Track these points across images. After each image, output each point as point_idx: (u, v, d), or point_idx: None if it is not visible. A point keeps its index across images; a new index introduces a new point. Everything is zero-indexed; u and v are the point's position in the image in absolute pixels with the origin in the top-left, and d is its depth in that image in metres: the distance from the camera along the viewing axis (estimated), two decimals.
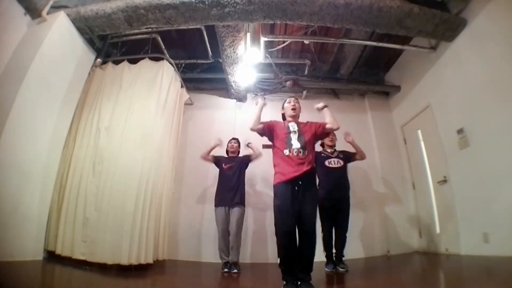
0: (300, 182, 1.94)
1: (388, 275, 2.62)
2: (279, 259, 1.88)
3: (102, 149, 2.93)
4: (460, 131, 3.08)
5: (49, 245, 2.68)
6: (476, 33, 2.90)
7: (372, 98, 4.71)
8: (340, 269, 2.69)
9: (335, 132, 2.94)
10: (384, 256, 3.64)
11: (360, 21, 2.90)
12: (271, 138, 2.17)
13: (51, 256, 2.64)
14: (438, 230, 3.50)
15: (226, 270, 2.85)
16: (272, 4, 2.69)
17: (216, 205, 3.10)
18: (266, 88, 4.52)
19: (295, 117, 2.22)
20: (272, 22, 3.04)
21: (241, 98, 4.54)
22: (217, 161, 3.31)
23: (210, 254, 3.52)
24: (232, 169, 3.18)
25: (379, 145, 4.33)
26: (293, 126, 2.13)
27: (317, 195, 2.08)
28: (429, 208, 3.66)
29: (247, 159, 3.30)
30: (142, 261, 2.57)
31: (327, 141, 3.05)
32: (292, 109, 2.21)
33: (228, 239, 2.98)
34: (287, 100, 2.29)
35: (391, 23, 2.93)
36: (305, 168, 1.95)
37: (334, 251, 2.82)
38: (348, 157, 3.03)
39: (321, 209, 2.43)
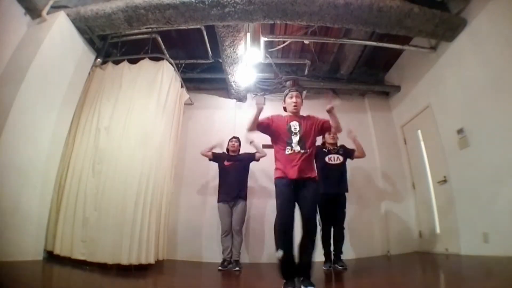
0: (300, 184, 1.99)
1: (388, 275, 2.62)
2: (278, 256, 1.88)
3: (101, 149, 2.92)
4: (460, 131, 3.08)
5: (49, 245, 2.68)
6: (476, 33, 2.90)
7: (372, 98, 4.71)
8: (339, 267, 2.71)
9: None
10: (384, 256, 3.64)
11: (360, 21, 2.90)
12: (271, 136, 2.18)
13: (51, 256, 2.64)
14: (438, 230, 3.50)
15: (220, 268, 2.92)
16: (272, 4, 2.69)
17: (219, 201, 3.16)
18: (266, 88, 4.52)
19: (296, 113, 2.21)
20: (272, 22, 3.04)
21: (241, 98, 4.54)
22: (217, 157, 3.33)
23: (211, 254, 3.52)
24: (233, 166, 3.22)
25: (379, 145, 4.33)
26: (294, 127, 2.13)
27: (317, 195, 2.12)
28: (429, 208, 3.66)
29: (251, 158, 3.31)
30: (143, 261, 2.57)
31: (328, 139, 3.07)
32: (294, 106, 2.19)
33: (231, 236, 3.06)
34: (289, 95, 2.23)
35: (391, 23, 2.93)
36: (307, 174, 2.01)
37: (332, 249, 2.86)
38: (348, 153, 3.09)
39: (319, 206, 2.42)
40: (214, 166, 3.45)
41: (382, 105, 4.67)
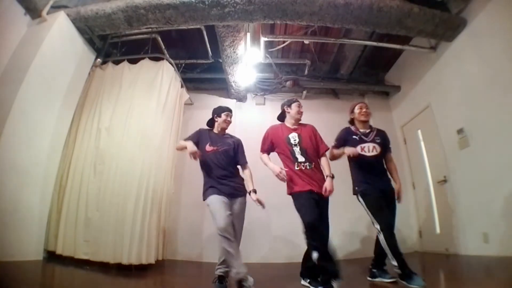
0: (317, 195, 2.03)
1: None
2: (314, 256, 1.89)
3: (102, 150, 2.93)
4: (460, 131, 3.08)
5: (50, 245, 2.69)
6: (476, 33, 2.90)
7: (372, 98, 4.71)
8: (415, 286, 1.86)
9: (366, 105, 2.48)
10: None
11: (360, 21, 2.90)
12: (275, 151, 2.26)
13: (51, 256, 2.64)
14: (438, 230, 3.50)
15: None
16: (272, 4, 2.69)
17: (213, 194, 2.06)
18: (266, 88, 4.52)
19: (297, 121, 2.28)
20: (272, 22, 3.04)
21: (241, 98, 4.54)
22: (196, 141, 2.23)
23: (211, 254, 3.52)
24: (218, 153, 2.19)
25: None
26: (294, 138, 2.17)
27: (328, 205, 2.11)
28: (429, 208, 3.66)
29: (239, 154, 2.31)
30: (143, 261, 2.58)
31: (359, 115, 2.39)
32: (299, 113, 2.27)
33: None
34: (296, 103, 2.29)
35: (391, 23, 2.93)
36: (321, 189, 2.03)
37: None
38: (386, 145, 2.34)
39: (372, 202, 2.13)
40: None
41: (382, 105, 4.67)
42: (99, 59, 3.37)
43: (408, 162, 4.18)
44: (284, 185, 2.15)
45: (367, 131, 2.34)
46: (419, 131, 3.95)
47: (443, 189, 3.40)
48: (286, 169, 2.10)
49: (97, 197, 2.76)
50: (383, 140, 2.31)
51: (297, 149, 2.13)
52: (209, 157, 2.19)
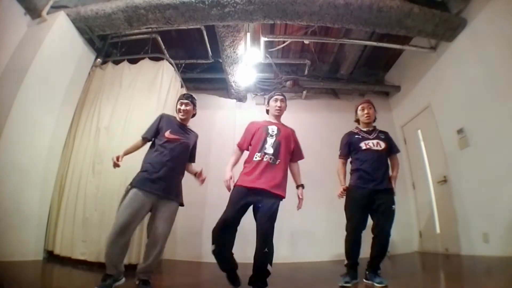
0: (257, 195, 1.91)
1: (388, 275, 2.61)
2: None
3: (102, 149, 2.92)
4: (460, 131, 3.08)
5: (50, 245, 2.68)
6: (476, 33, 2.90)
7: (372, 98, 4.66)
8: (376, 284, 2.00)
9: (371, 105, 2.40)
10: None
11: (360, 21, 2.90)
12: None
13: (51, 256, 2.64)
14: (438, 230, 3.50)
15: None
16: (272, 4, 2.69)
17: (137, 186, 1.91)
18: (266, 88, 4.52)
19: (278, 117, 2.21)
20: (272, 22, 3.04)
21: (241, 98, 4.54)
22: (155, 129, 2.17)
23: (211, 253, 3.51)
24: (178, 143, 2.07)
25: None
26: (272, 129, 2.10)
27: (275, 207, 1.92)
28: (429, 208, 3.66)
29: (194, 148, 2.29)
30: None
31: (363, 118, 2.35)
32: (277, 110, 2.18)
33: (129, 238, 1.91)
34: (274, 98, 2.20)
35: (391, 23, 2.93)
36: (268, 184, 1.91)
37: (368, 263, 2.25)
38: (392, 143, 2.37)
39: (351, 201, 2.20)
40: (216, 163, 3.33)
41: (382, 105, 4.65)
42: (99, 59, 3.37)
43: (408, 162, 4.17)
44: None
45: (370, 129, 2.36)
46: (419, 131, 3.95)
47: (443, 189, 3.39)
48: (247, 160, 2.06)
49: (95, 196, 2.75)
50: (388, 140, 2.34)
51: (271, 140, 2.03)
52: (167, 142, 2.05)
